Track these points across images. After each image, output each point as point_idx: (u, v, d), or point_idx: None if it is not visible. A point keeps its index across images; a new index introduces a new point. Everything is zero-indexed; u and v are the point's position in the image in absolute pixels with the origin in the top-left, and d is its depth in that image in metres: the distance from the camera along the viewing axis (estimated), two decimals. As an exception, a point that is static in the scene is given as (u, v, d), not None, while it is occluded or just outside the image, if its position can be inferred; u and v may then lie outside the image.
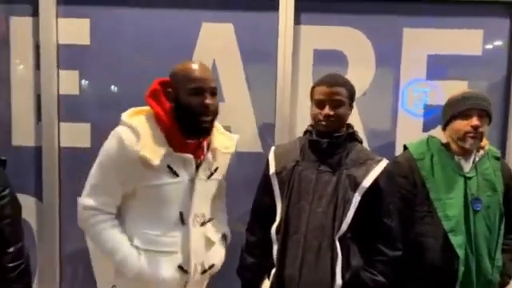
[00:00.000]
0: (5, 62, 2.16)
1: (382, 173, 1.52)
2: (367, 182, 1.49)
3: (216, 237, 1.63)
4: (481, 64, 2.13)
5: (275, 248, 1.54)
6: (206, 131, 1.48)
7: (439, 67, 2.14)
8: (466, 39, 2.13)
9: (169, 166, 1.44)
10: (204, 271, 1.56)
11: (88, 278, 2.23)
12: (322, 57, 2.14)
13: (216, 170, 1.57)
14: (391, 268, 1.54)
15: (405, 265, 1.65)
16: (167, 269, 1.48)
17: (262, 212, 1.65)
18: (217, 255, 1.63)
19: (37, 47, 2.13)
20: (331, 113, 1.50)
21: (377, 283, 1.51)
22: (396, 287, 1.69)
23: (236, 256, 1.70)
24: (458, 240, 1.63)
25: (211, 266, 1.58)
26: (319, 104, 1.53)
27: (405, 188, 1.71)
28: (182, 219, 1.49)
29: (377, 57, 2.14)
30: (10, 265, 1.41)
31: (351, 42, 2.14)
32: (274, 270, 1.54)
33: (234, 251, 1.72)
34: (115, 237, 1.47)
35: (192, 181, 1.50)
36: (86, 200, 1.48)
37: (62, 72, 2.15)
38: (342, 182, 1.50)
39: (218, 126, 1.64)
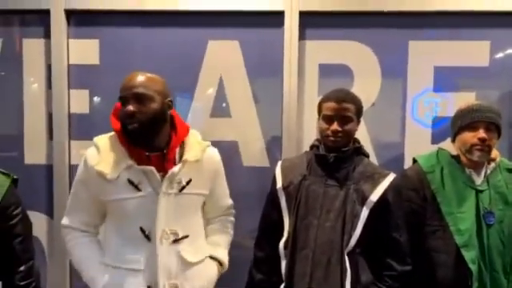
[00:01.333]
0: (18, 82, 2.22)
1: (390, 187, 1.52)
2: (375, 196, 1.48)
3: (195, 257, 1.51)
4: (488, 75, 2.11)
5: (283, 263, 1.53)
6: (135, 139, 1.40)
7: (446, 79, 2.13)
8: (473, 51, 2.12)
9: (129, 180, 1.41)
10: None
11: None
12: (328, 71, 2.15)
13: (188, 182, 1.47)
14: (401, 283, 1.51)
15: (416, 281, 1.62)
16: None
17: (269, 227, 1.64)
18: (200, 277, 1.53)
19: (48, 68, 2.19)
20: (339, 129, 1.50)
21: (386, 298, 1.49)
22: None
23: (245, 271, 1.69)
24: (470, 255, 1.59)
25: None
26: (327, 119, 1.53)
27: (414, 202, 1.68)
28: (146, 235, 1.42)
29: (383, 70, 2.14)
30: (22, 283, 1.43)
31: (356, 56, 2.14)
32: (282, 286, 1.52)
33: (244, 266, 1.71)
34: (85, 255, 1.49)
35: (157, 194, 1.43)
36: (63, 219, 1.53)
37: (72, 91, 2.20)
38: (349, 197, 1.50)
39: (195, 135, 1.57)
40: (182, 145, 1.51)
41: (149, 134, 1.41)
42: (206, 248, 1.61)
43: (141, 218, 1.43)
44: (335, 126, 1.51)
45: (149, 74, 1.45)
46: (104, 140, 1.47)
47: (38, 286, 1.49)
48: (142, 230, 1.42)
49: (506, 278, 1.65)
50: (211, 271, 1.59)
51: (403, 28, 2.13)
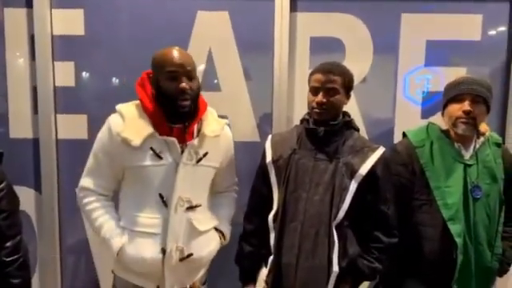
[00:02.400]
0: (0, 54, 2.14)
1: (379, 160, 1.52)
2: (364, 170, 1.49)
3: (204, 226, 1.62)
4: (480, 50, 2.09)
5: (272, 236, 1.55)
6: (186, 115, 1.51)
7: (438, 53, 2.11)
8: (465, 24, 2.09)
9: (152, 149, 1.49)
10: (182, 259, 1.54)
11: (89, 268, 2.25)
12: (319, 44, 2.11)
13: (205, 155, 1.57)
14: (387, 255, 1.54)
15: (403, 254, 1.65)
16: (148, 250, 1.51)
17: (259, 200, 1.65)
18: (204, 247, 1.62)
19: (31, 39, 2.11)
20: (324, 100, 1.49)
21: (373, 270, 1.53)
22: (395, 276, 1.71)
23: (234, 245, 1.71)
24: (456, 228, 1.62)
25: (189, 255, 1.56)
26: (314, 91, 1.53)
27: (403, 176, 1.70)
28: (164, 201, 1.51)
29: (375, 43, 2.11)
30: (8, 259, 1.41)
31: (348, 29, 2.10)
32: (271, 258, 1.54)
33: (234, 239, 1.72)
34: (103, 216, 1.56)
35: (177, 164, 1.52)
36: (81, 181, 1.60)
37: (57, 63, 2.14)
38: (338, 170, 1.50)
39: (212, 112, 1.68)
40: (200, 119, 1.59)
41: (192, 111, 1.52)
42: (213, 219, 1.69)
43: (160, 185, 1.51)
44: (320, 98, 1.50)
45: (186, 52, 1.56)
46: (128, 108, 1.55)
47: (25, 261, 1.47)
48: (161, 196, 1.50)
49: (491, 251, 1.69)
50: (214, 242, 1.67)
51: (396, 0, 2.09)
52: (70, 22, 2.11)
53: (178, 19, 2.11)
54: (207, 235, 1.64)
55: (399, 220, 1.62)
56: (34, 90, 2.14)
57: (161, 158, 1.50)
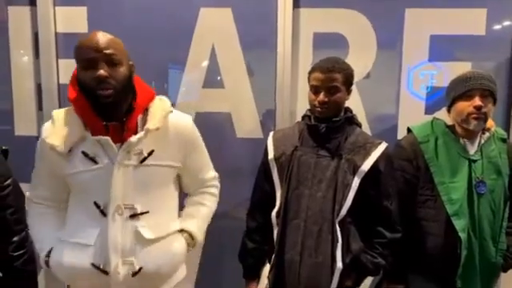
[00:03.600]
0: (4, 52, 2.16)
1: (382, 156, 1.52)
2: (366, 166, 1.49)
3: (155, 233, 1.38)
4: (484, 44, 2.08)
5: (275, 231, 1.55)
6: (109, 106, 1.28)
7: (442, 48, 2.10)
8: (469, 19, 2.07)
9: (83, 153, 1.32)
10: (134, 274, 1.33)
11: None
12: (322, 40, 2.11)
13: (151, 153, 1.35)
14: (391, 250, 1.54)
15: (406, 249, 1.65)
16: (79, 263, 1.34)
17: (261, 198, 1.65)
18: (160, 256, 1.39)
19: (35, 36, 2.13)
20: (326, 99, 1.49)
21: (376, 265, 1.53)
22: (398, 271, 1.71)
23: (239, 240, 1.71)
24: (460, 224, 1.61)
25: (140, 269, 1.34)
26: (315, 90, 1.52)
27: (407, 171, 1.69)
28: (101, 210, 1.33)
29: (378, 39, 2.10)
30: (15, 254, 1.43)
31: (352, 25, 2.09)
32: (274, 254, 1.54)
33: (238, 236, 1.72)
34: (38, 226, 1.46)
35: (110, 166, 1.33)
36: (28, 193, 1.50)
37: (61, 61, 2.15)
38: (341, 167, 1.50)
39: (163, 103, 1.42)
40: (146, 113, 1.38)
41: (120, 103, 1.31)
42: (173, 223, 1.48)
43: (97, 192, 1.33)
44: (321, 97, 1.49)
45: (109, 34, 1.31)
46: (60, 112, 1.38)
47: (31, 256, 1.49)
48: (96, 204, 1.33)
49: (495, 247, 1.68)
50: (176, 247, 1.45)
51: (400, -5, 2.09)
52: (74, 20, 2.13)
53: (180, 16, 2.11)
54: (164, 242, 1.41)
55: (403, 215, 1.61)
56: (39, 87, 2.16)
57: (95, 161, 1.32)
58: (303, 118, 1.63)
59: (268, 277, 1.55)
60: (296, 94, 2.13)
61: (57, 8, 2.11)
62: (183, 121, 1.47)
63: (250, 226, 1.68)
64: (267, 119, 2.17)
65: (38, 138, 2.15)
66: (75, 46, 1.29)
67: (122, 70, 1.29)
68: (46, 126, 1.38)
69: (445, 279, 1.66)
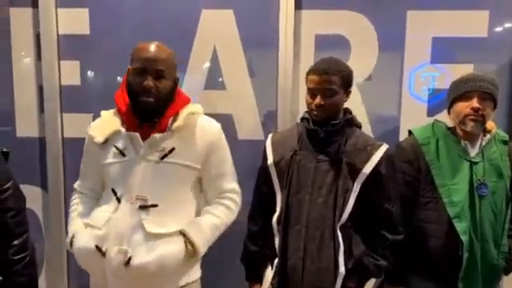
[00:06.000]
0: (6, 53, 2.16)
1: (383, 158, 1.50)
2: (367, 169, 1.48)
3: (158, 229, 1.41)
4: (486, 46, 2.08)
5: (277, 239, 1.54)
6: (146, 112, 1.45)
7: (444, 50, 2.09)
8: (471, 21, 2.07)
9: (115, 146, 1.48)
10: (126, 263, 1.38)
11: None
12: (324, 42, 2.10)
13: (171, 151, 1.44)
14: (393, 251, 1.54)
15: (408, 251, 1.64)
16: (88, 245, 1.45)
17: (261, 201, 1.65)
18: (157, 251, 1.40)
19: (37, 38, 2.13)
20: (322, 102, 1.47)
21: (379, 267, 1.52)
22: (399, 273, 1.71)
23: (240, 243, 1.71)
24: (462, 226, 1.61)
25: (130, 258, 1.38)
26: (311, 93, 1.50)
27: (408, 173, 1.69)
28: (117, 197, 1.46)
29: (380, 41, 2.10)
30: (15, 257, 1.41)
31: (354, 26, 2.09)
32: (276, 261, 1.54)
33: (239, 238, 1.72)
34: (72, 214, 1.59)
35: (134, 160, 1.47)
36: (76, 183, 1.67)
37: (63, 62, 2.15)
38: (341, 171, 1.48)
39: (193, 108, 1.54)
40: (177, 115, 1.50)
41: (158, 109, 1.45)
42: (178, 223, 1.47)
43: (119, 181, 1.47)
44: (318, 101, 1.47)
45: (166, 48, 1.48)
46: (108, 112, 1.59)
47: (32, 259, 1.47)
48: (113, 191, 1.47)
49: (497, 249, 1.67)
50: (173, 248, 1.42)
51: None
52: (76, 22, 2.13)
53: (182, 17, 2.11)
54: (161, 241, 1.41)
55: (404, 217, 1.61)
56: (40, 88, 2.16)
57: (124, 154, 1.47)
58: (302, 120, 1.61)
59: (271, 283, 1.54)
60: (297, 96, 2.12)
61: (59, 9, 2.11)
62: (210, 125, 1.58)
63: (251, 230, 1.67)
64: (269, 121, 2.17)
65: (39, 139, 2.20)
66: (134, 50, 1.47)
67: (167, 84, 1.45)
68: (93, 123, 1.59)
69: (446, 281, 1.65)
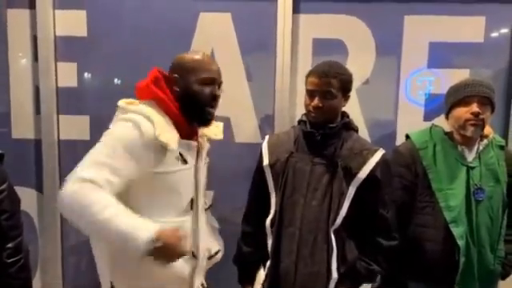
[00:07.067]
0: (3, 54, 2.15)
1: (379, 163, 1.50)
2: (363, 174, 1.47)
3: (216, 223, 1.73)
4: (483, 51, 2.09)
5: (270, 241, 1.54)
6: (209, 121, 1.51)
7: (441, 55, 2.10)
8: (467, 26, 2.08)
9: (180, 153, 1.45)
10: (210, 257, 1.59)
11: (90, 268, 2.23)
12: (322, 46, 2.11)
13: (208, 155, 1.62)
14: (386, 257, 1.53)
15: (405, 255, 1.64)
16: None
17: (256, 203, 1.65)
18: (219, 242, 1.70)
19: (34, 39, 2.12)
20: (320, 104, 1.47)
21: (372, 272, 1.52)
22: (396, 278, 1.70)
23: (234, 245, 1.71)
24: (459, 231, 1.61)
25: (217, 252, 1.63)
26: (310, 95, 1.51)
27: (406, 178, 1.69)
28: (192, 205, 1.51)
29: (377, 45, 2.11)
30: (9, 260, 1.41)
31: (351, 31, 2.10)
32: (268, 263, 1.53)
33: (233, 241, 1.72)
34: (115, 206, 1.25)
35: (195, 167, 1.52)
36: (86, 172, 1.27)
37: (59, 64, 2.14)
38: (336, 175, 1.48)
39: None
40: None
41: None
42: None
43: (187, 189, 1.49)
44: (316, 102, 1.47)
45: None
46: (150, 110, 1.40)
47: (26, 262, 1.47)
48: (192, 201, 1.50)
49: (493, 254, 1.68)
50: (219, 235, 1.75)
51: (399, 2, 2.09)
52: (73, 23, 2.12)
53: (180, 20, 2.11)
54: (217, 231, 1.73)
55: (401, 222, 1.61)
56: (37, 90, 2.15)
57: (186, 161, 1.47)
58: (299, 122, 1.61)
59: (263, 285, 1.54)
60: (295, 100, 2.13)
61: (56, 11, 2.11)
62: (221, 131, 1.69)
63: (245, 231, 1.68)
64: (266, 124, 2.17)
65: (35, 141, 2.19)
66: (192, 60, 1.48)
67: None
68: (147, 125, 1.36)
69: (443, 286, 1.65)
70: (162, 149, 1.37)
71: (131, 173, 1.35)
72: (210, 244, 1.60)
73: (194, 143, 1.51)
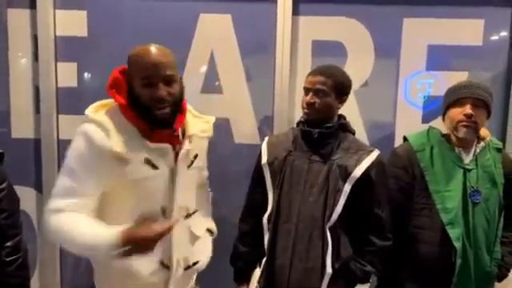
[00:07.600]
0: (3, 54, 2.16)
1: (374, 163, 1.52)
2: (358, 172, 1.49)
3: (201, 231, 1.54)
4: (481, 54, 2.10)
5: (266, 237, 1.56)
6: (164, 124, 1.33)
7: (439, 58, 2.11)
8: (466, 29, 2.09)
9: (146, 159, 1.32)
10: (188, 267, 1.46)
11: (88, 269, 2.24)
12: (321, 48, 2.12)
13: (195, 157, 1.45)
14: (381, 258, 1.54)
15: (401, 257, 1.65)
16: (147, 264, 1.35)
17: (254, 202, 1.66)
18: (203, 251, 1.55)
19: (35, 39, 2.13)
20: (312, 101, 1.51)
21: (366, 273, 1.53)
22: (393, 279, 1.71)
23: (230, 245, 1.72)
24: (455, 233, 1.61)
25: (195, 263, 1.49)
26: (305, 92, 1.55)
27: (403, 179, 1.70)
28: (164, 213, 1.38)
29: (376, 47, 2.12)
30: (8, 259, 1.42)
31: (350, 33, 2.11)
32: (264, 259, 1.55)
33: (230, 241, 1.72)
34: (79, 221, 1.26)
35: (172, 171, 1.38)
36: (56, 203, 1.28)
37: (60, 64, 2.15)
38: (333, 172, 1.50)
39: (190, 109, 1.52)
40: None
41: (172, 115, 1.35)
42: (204, 220, 1.62)
43: (159, 197, 1.37)
44: (308, 98, 1.52)
45: (165, 49, 1.33)
46: (109, 117, 1.32)
47: (24, 261, 1.48)
48: (162, 209, 1.37)
49: (489, 256, 1.68)
50: (209, 242, 1.61)
51: (398, 5, 2.10)
52: (73, 24, 2.13)
53: (180, 21, 2.12)
54: (203, 239, 1.56)
55: (398, 223, 1.62)
56: (37, 90, 2.16)
57: (156, 167, 1.34)
58: (298, 123, 1.64)
59: (259, 281, 1.56)
60: (294, 101, 2.14)
61: (57, 11, 2.12)
62: (211, 127, 1.58)
63: (242, 230, 1.69)
64: (265, 125, 2.17)
65: (34, 140, 2.19)
66: (133, 57, 1.30)
67: (177, 87, 1.34)
68: (100, 135, 1.28)
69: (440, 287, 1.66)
70: (121, 158, 1.28)
71: (97, 188, 1.32)
72: (188, 253, 1.46)
73: (165, 146, 1.35)
